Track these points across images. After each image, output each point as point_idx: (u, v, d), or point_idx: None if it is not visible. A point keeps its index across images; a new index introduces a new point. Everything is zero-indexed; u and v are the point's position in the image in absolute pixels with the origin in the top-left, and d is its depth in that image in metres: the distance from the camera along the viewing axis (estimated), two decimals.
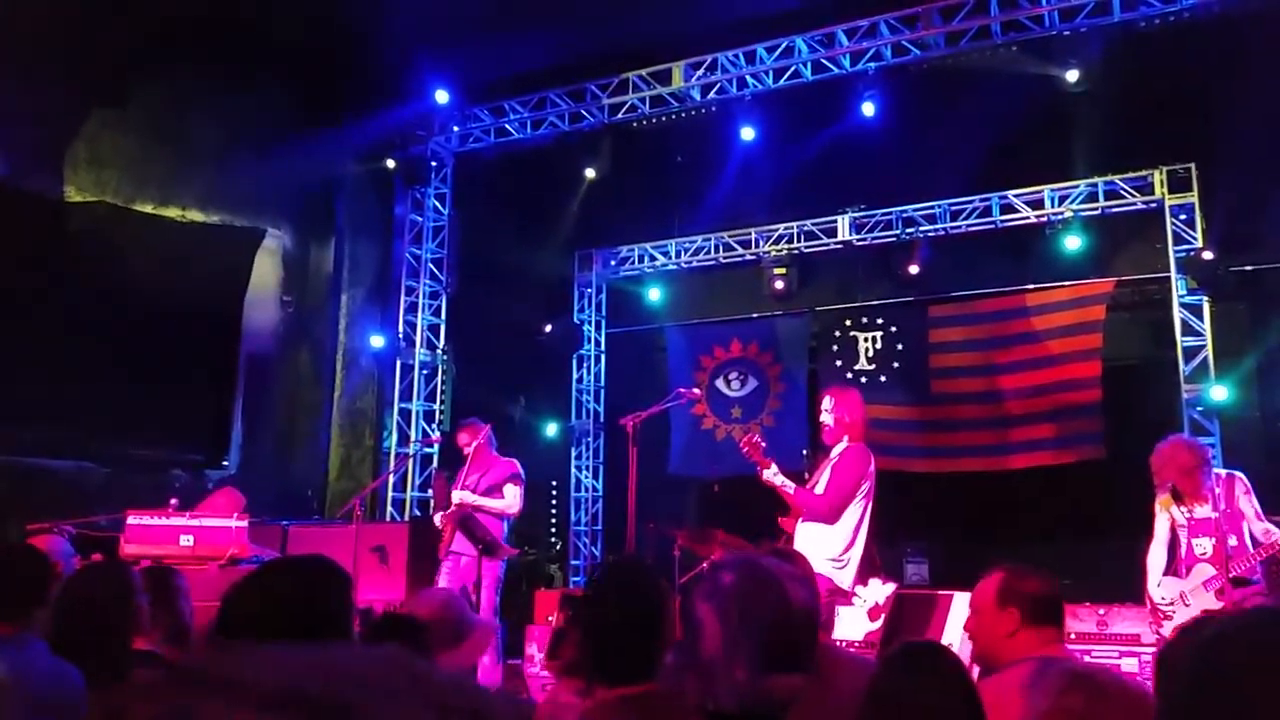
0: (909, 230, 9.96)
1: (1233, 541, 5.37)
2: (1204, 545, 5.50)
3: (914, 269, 9.87)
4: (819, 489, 5.73)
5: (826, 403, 5.96)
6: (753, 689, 1.64)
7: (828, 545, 5.60)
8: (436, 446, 10.24)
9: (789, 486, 5.74)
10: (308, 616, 1.89)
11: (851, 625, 6.23)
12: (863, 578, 5.80)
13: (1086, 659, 6.78)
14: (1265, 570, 5.42)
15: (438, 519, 7.14)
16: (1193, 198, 8.85)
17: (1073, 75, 8.55)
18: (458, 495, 6.96)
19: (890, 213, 10.06)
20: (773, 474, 5.73)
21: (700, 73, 9.60)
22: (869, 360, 10.38)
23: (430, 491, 10.03)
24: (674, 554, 7.28)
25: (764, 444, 5.76)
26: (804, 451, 6.01)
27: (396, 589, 6.95)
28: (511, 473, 7.18)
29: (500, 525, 7.05)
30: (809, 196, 10.25)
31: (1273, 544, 5.31)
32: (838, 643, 5.46)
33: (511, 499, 7.11)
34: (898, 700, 1.97)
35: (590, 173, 10.62)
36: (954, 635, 6.24)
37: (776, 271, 10.42)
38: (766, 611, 1.68)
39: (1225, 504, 5.42)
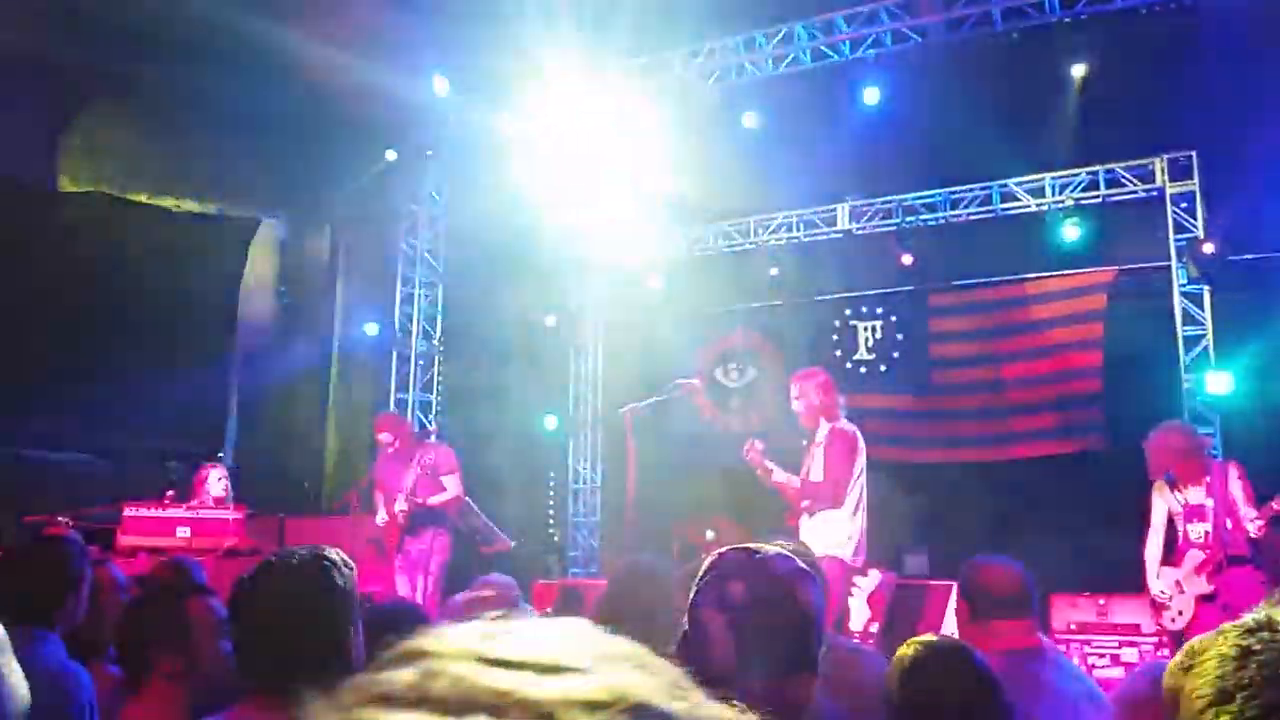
0: (909, 219, 9.92)
1: (1228, 525, 5.43)
2: (1198, 530, 5.58)
3: (907, 259, 9.86)
4: (816, 475, 5.75)
5: (794, 390, 5.99)
6: (769, 698, 1.61)
7: (835, 527, 5.65)
8: (433, 437, 10.20)
9: (793, 482, 5.79)
10: (315, 608, 1.88)
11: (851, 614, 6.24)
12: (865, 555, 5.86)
13: (1086, 650, 6.78)
14: (1255, 551, 5.46)
15: (381, 519, 6.99)
16: (1194, 186, 8.80)
17: (1073, 62, 8.51)
18: (400, 504, 6.86)
19: (890, 201, 10.00)
20: (777, 477, 5.82)
21: (699, 60, 9.53)
22: (869, 350, 10.35)
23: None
24: (672, 545, 7.26)
25: (762, 446, 5.82)
26: (804, 443, 6.00)
27: (392, 581, 6.92)
28: (449, 461, 7.09)
29: (445, 527, 7.00)
30: (808, 184, 10.18)
31: (1260, 529, 5.38)
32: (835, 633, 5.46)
33: (452, 489, 7.02)
34: (930, 699, 1.95)
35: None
36: (953, 626, 6.23)
37: (774, 262, 10.37)
38: (779, 619, 1.64)
39: (1220, 488, 5.46)
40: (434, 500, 6.90)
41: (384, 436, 7.18)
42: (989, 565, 2.83)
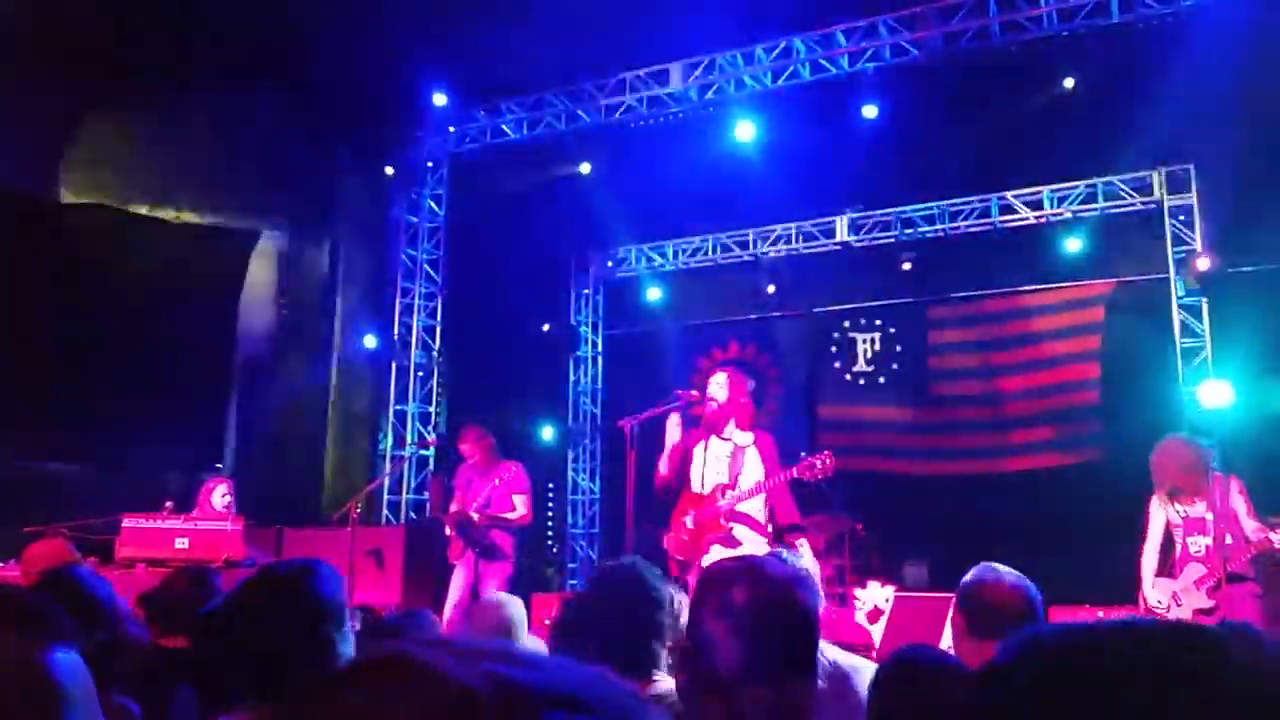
0: (908, 231, 9.94)
1: (1228, 540, 5.41)
2: (1198, 543, 5.56)
3: (906, 265, 9.89)
4: (749, 480, 5.54)
5: (723, 381, 5.63)
6: (776, 702, 1.63)
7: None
8: (432, 449, 10.18)
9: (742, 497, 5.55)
10: (306, 618, 1.89)
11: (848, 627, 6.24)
12: None
13: None
14: (1256, 568, 5.45)
15: (449, 529, 7.17)
16: (1192, 199, 8.83)
17: (1071, 76, 8.54)
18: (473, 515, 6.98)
19: (889, 213, 10.02)
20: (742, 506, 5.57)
21: (698, 73, 9.56)
22: (867, 362, 10.36)
23: (427, 495, 10.01)
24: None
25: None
26: (801, 454, 5.98)
27: (392, 592, 6.92)
28: (521, 481, 7.18)
29: (510, 536, 7.06)
30: (807, 197, 10.20)
31: (1261, 541, 5.35)
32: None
33: (522, 509, 7.11)
34: (912, 712, 1.96)
35: (587, 173, 10.59)
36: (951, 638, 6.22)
37: (773, 274, 10.39)
38: (781, 623, 1.67)
39: (1221, 503, 5.45)
40: (509, 515, 7.02)
41: (464, 448, 7.35)
42: (997, 582, 2.61)
